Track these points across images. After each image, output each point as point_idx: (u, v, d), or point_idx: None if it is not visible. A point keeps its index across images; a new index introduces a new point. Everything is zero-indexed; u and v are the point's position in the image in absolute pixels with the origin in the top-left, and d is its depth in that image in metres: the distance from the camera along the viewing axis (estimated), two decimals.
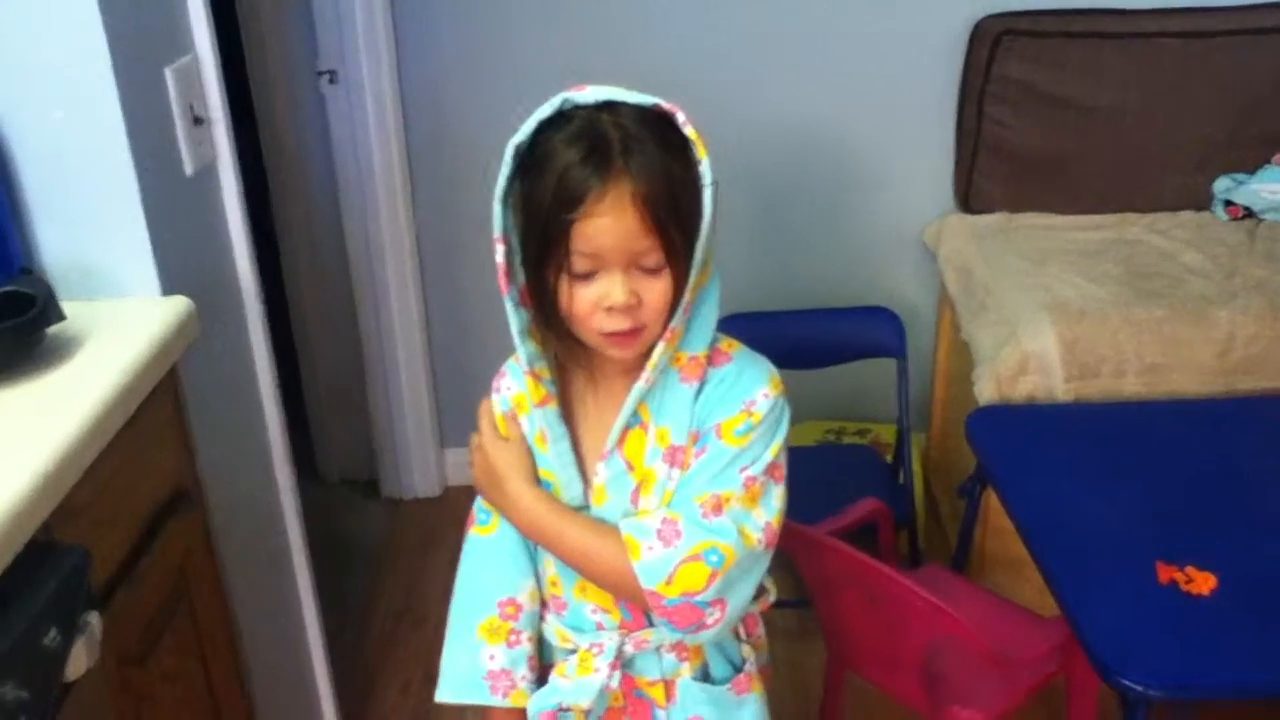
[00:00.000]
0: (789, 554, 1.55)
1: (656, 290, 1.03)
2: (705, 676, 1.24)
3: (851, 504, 1.87)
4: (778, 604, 1.29)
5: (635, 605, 1.17)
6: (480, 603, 1.23)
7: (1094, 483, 1.66)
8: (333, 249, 2.64)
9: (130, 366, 1.17)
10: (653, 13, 2.43)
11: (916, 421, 2.55)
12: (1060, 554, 1.51)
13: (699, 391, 1.11)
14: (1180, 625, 1.38)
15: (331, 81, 2.42)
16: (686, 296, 1.04)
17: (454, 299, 2.70)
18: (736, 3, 2.43)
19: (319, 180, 2.59)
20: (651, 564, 1.08)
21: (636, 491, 1.14)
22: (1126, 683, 1.30)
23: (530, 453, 1.18)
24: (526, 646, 1.23)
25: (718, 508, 1.09)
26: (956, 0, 2.39)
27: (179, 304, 1.31)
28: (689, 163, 1.03)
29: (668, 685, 1.23)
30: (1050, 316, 2.03)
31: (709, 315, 1.10)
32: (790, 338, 2.33)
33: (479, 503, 1.25)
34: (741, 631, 1.28)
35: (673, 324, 1.05)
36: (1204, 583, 1.42)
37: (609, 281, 1.02)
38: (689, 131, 1.02)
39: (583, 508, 1.17)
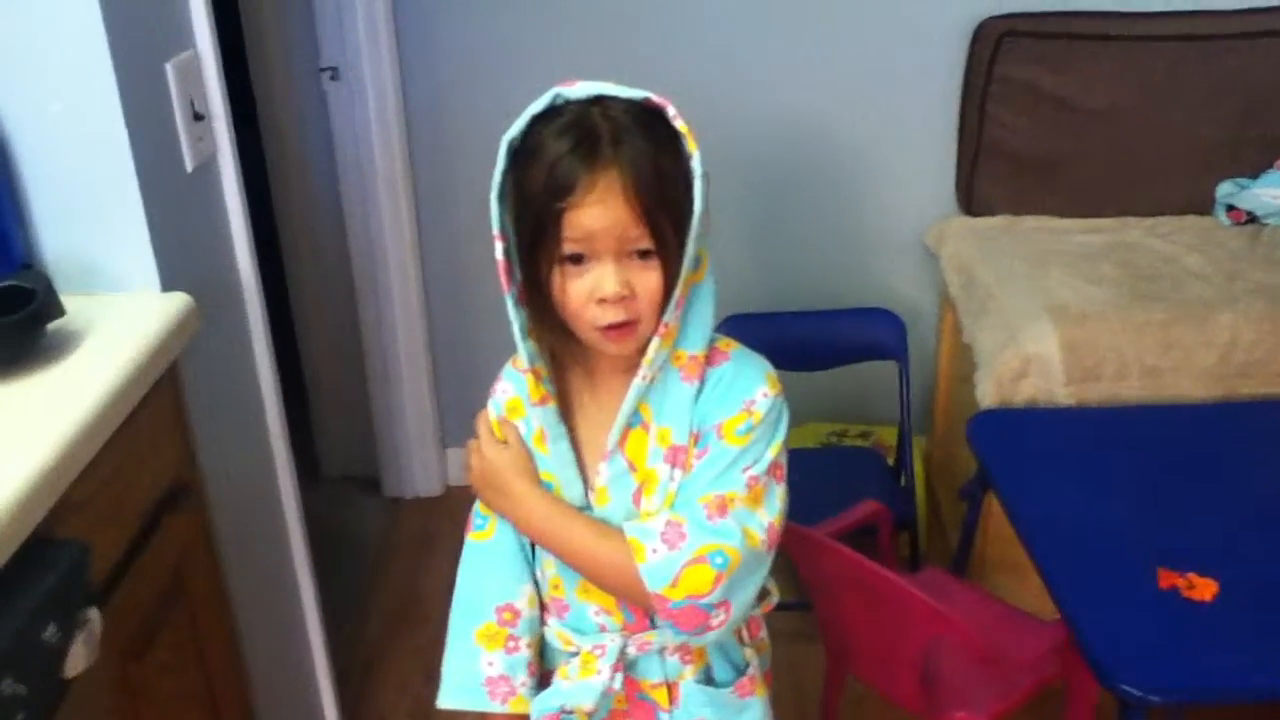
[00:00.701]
0: (789, 556, 1.55)
1: (649, 282, 1.04)
2: (708, 679, 1.24)
3: (852, 506, 1.86)
4: (779, 606, 1.29)
5: (638, 607, 1.17)
6: (477, 609, 1.23)
7: (1095, 487, 1.66)
8: (334, 246, 2.63)
9: (130, 362, 1.16)
10: (654, 10, 2.43)
11: (919, 424, 2.55)
12: (1060, 558, 1.51)
13: (699, 391, 1.11)
14: (1180, 631, 1.38)
15: (333, 78, 2.41)
16: (679, 290, 1.05)
17: (456, 298, 2.69)
18: (738, 1, 2.42)
19: (321, 177, 2.58)
20: (656, 567, 1.08)
21: (638, 492, 1.13)
22: (1125, 687, 1.30)
23: (530, 455, 1.18)
24: (525, 652, 1.23)
25: (722, 509, 1.08)
26: (958, 0, 2.38)
27: (179, 300, 1.30)
28: (679, 155, 1.04)
29: (670, 688, 1.23)
30: (1051, 319, 2.03)
31: (705, 313, 1.10)
32: (791, 339, 2.32)
33: (476, 508, 1.25)
34: (745, 634, 1.27)
35: (666, 318, 1.05)
36: (1205, 589, 1.42)
37: (601, 272, 1.03)
38: (679, 124, 1.04)
39: (584, 509, 1.16)
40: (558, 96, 1.04)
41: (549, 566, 1.22)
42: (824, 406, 2.73)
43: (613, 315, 1.04)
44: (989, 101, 2.41)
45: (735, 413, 1.10)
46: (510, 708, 1.22)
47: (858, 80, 2.49)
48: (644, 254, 1.03)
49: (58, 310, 1.17)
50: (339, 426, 2.89)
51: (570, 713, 1.20)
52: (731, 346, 1.15)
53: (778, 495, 1.13)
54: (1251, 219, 2.41)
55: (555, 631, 1.24)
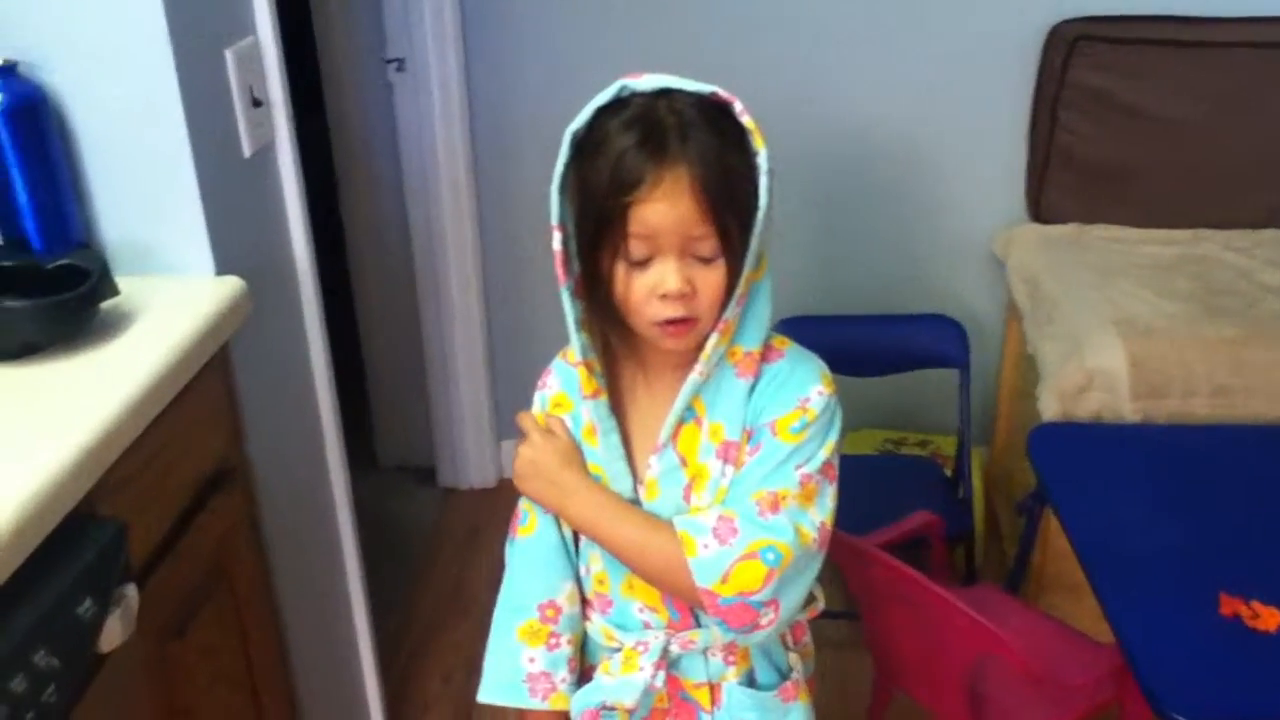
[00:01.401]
0: (838, 564, 1.53)
1: (711, 280, 1.03)
2: (751, 682, 1.23)
3: (907, 517, 1.83)
4: (827, 614, 1.27)
5: (683, 604, 1.16)
6: (520, 605, 1.23)
7: (1158, 507, 1.60)
8: (397, 239, 2.65)
9: (179, 344, 1.18)
10: (724, 7, 2.40)
11: (979, 435, 2.50)
12: (1118, 580, 1.46)
13: (753, 387, 1.10)
14: (1242, 661, 1.32)
15: (399, 69, 2.43)
16: (740, 288, 1.03)
17: (515, 292, 2.70)
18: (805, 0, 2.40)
19: (385, 169, 2.60)
20: (707, 561, 1.06)
21: (689, 487, 1.12)
22: (1179, 717, 1.25)
23: (577, 446, 1.17)
24: (566, 649, 1.22)
25: (774, 505, 1.07)
26: (1032, 3, 2.33)
27: (231, 284, 1.32)
28: (745, 151, 1.02)
29: (713, 688, 1.21)
30: (1118, 332, 1.97)
31: (763, 311, 1.09)
32: (851, 343, 2.29)
33: (521, 503, 1.24)
34: (789, 639, 1.26)
35: (725, 315, 1.05)
36: (1270, 618, 1.36)
37: (664, 268, 1.02)
38: (746, 121, 1.02)
39: (632, 503, 1.15)
40: (624, 89, 1.03)
41: (594, 561, 1.22)
42: (882, 413, 2.68)
43: (673, 311, 1.03)
44: (1060, 107, 2.35)
45: (790, 410, 1.09)
46: (550, 704, 1.22)
47: (928, 82, 2.44)
48: (707, 257, 1.02)
49: (111, 290, 1.19)
50: (397, 417, 2.92)
51: (611, 709, 1.20)
52: (786, 344, 1.14)
53: (829, 495, 1.11)
54: None
55: (599, 627, 1.23)
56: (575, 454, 1.16)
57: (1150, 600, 1.43)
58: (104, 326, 1.19)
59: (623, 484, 1.15)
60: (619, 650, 1.20)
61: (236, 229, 1.39)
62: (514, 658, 1.22)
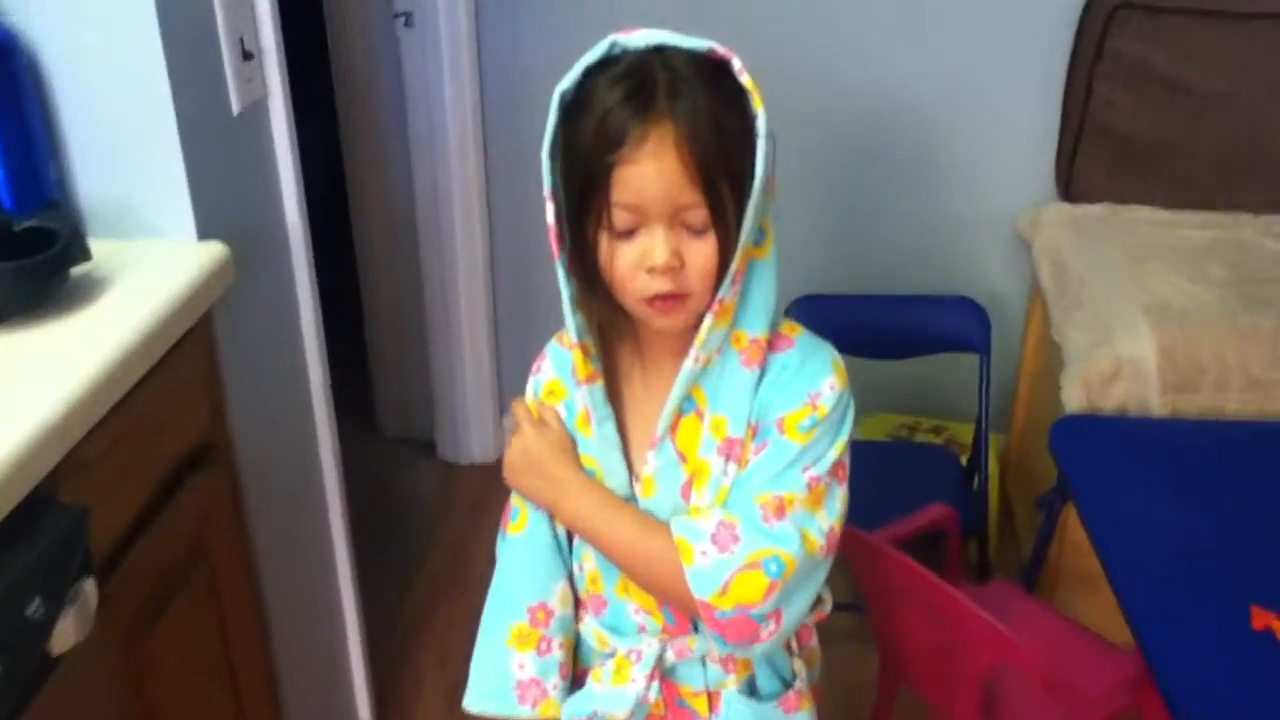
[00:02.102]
0: (846, 559, 1.46)
1: (702, 253, 0.96)
2: (751, 691, 1.16)
3: (920, 507, 1.76)
4: (834, 607, 1.20)
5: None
6: (510, 607, 1.17)
7: (1187, 508, 1.53)
8: (402, 204, 2.58)
9: (155, 313, 1.11)
10: None
11: (995, 421, 2.43)
12: (1142, 585, 1.39)
13: (760, 379, 1.03)
14: (1273, 678, 1.26)
15: (407, 24, 2.35)
16: (736, 264, 0.96)
17: (521, 263, 2.63)
18: None
19: (391, 125, 2.53)
20: (704, 571, 0.99)
21: (688, 485, 1.05)
22: None
23: (572, 439, 1.10)
24: (558, 654, 1.17)
25: (780, 510, 1.00)
26: None
27: (214, 249, 1.25)
28: (743, 113, 0.95)
29: (711, 697, 1.15)
30: (1149, 320, 1.89)
31: (767, 293, 1.02)
32: (867, 324, 2.22)
33: (513, 498, 1.18)
34: (794, 644, 1.19)
35: (721, 294, 0.97)
36: None
37: (650, 239, 0.95)
38: (745, 80, 0.95)
39: (628, 499, 1.09)
40: (615, 45, 0.96)
41: (588, 560, 1.15)
42: (896, 396, 2.61)
43: (660, 285, 0.96)
44: (1096, 79, 2.25)
45: (798, 406, 1.02)
46: (540, 712, 1.16)
47: (953, 50, 2.34)
48: (698, 228, 0.95)
49: (83, 254, 1.12)
50: (399, 384, 2.86)
51: (603, 719, 1.14)
52: (796, 331, 1.07)
53: (839, 497, 1.04)
54: None
55: (591, 630, 1.17)
56: (569, 447, 1.10)
57: (1175, 608, 1.36)
58: (74, 294, 1.12)
59: (617, 479, 1.08)
60: (612, 655, 1.15)
61: (222, 190, 1.31)
62: (503, 663, 1.16)
